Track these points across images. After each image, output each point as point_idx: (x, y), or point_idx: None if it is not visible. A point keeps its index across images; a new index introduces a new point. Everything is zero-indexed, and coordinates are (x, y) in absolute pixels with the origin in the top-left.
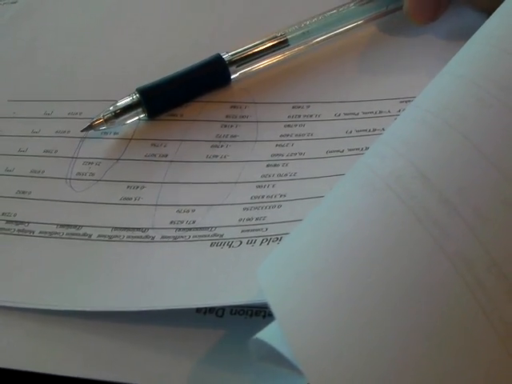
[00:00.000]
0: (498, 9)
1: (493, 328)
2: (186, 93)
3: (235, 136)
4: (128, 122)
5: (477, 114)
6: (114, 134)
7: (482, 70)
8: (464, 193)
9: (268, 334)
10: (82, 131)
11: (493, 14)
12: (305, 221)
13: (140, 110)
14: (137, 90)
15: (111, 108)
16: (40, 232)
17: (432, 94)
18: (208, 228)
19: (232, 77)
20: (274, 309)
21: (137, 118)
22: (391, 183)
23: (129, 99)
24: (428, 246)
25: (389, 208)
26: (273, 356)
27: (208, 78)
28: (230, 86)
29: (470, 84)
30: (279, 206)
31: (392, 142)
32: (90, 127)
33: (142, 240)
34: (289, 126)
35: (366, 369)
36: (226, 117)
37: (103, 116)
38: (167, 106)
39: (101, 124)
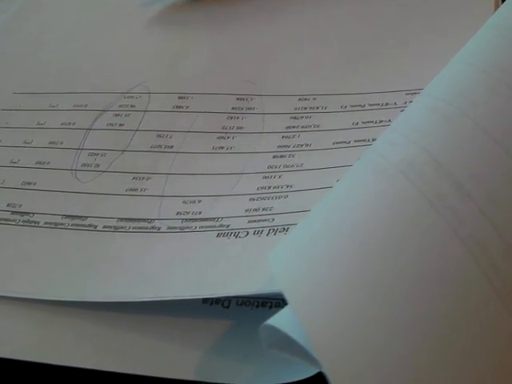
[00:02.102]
0: (507, 0)
1: (508, 312)
2: None
3: (241, 128)
4: None
5: (488, 101)
6: (120, 125)
7: (492, 58)
8: (477, 178)
9: (280, 320)
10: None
11: (501, 6)
12: (316, 207)
13: None
14: None
15: None
16: (45, 223)
17: (442, 82)
18: (214, 219)
19: None
20: (287, 294)
21: None
22: (404, 169)
23: None
24: (442, 230)
25: (402, 193)
26: (284, 343)
27: None
28: None
29: (480, 73)
30: (286, 197)
31: (403, 129)
32: None
33: (147, 231)
34: (295, 117)
35: (381, 353)
36: (232, 109)
37: None
38: None
39: None
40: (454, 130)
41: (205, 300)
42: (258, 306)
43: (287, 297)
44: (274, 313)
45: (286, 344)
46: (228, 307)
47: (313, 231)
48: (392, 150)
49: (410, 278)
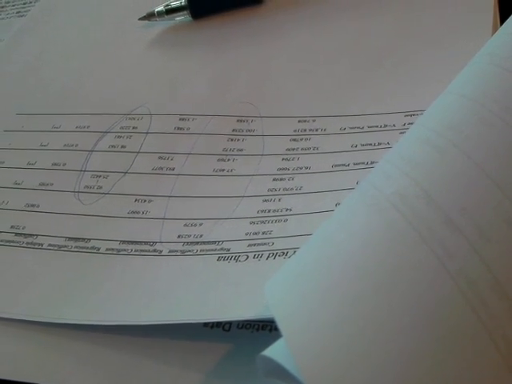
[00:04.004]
0: (501, 27)
1: (495, 346)
2: (223, 4)
3: (241, 150)
4: (177, 19)
5: (480, 134)
6: (122, 147)
7: (485, 89)
8: (467, 212)
9: (275, 351)
10: (139, 19)
11: (496, 33)
12: (311, 239)
13: (186, 12)
14: None
15: (162, 7)
16: (49, 245)
17: (436, 113)
18: (215, 242)
19: None
20: (281, 327)
21: (183, 17)
22: (396, 202)
23: (178, 2)
24: (432, 265)
25: (393, 227)
26: (279, 372)
27: None
28: (262, 5)
29: (473, 103)
30: (285, 220)
31: (397, 161)
32: (146, 18)
33: (149, 254)
34: (294, 139)
35: None
36: (233, 130)
37: (156, 12)
38: (208, 12)
39: (154, 17)
40: (446, 163)
41: (206, 323)
42: (258, 329)
43: (281, 329)
44: (274, 336)
45: (282, 373)
46: (229, 330)
47: (307, 264)
48: (385, 182)
49: (400, 313)
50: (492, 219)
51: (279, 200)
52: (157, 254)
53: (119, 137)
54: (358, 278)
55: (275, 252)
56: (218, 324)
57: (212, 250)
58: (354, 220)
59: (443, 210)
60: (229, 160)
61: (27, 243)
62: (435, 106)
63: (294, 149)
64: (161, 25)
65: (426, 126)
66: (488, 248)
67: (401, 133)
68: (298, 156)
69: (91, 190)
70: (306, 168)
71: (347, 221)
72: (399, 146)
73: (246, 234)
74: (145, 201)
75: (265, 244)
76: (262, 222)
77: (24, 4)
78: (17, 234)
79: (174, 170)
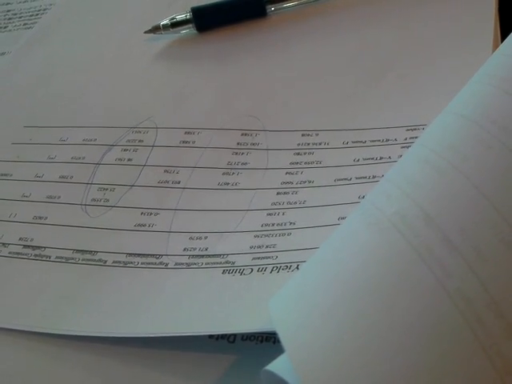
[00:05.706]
0: (500, 47)
1: (491, 363)
2: (228, 17)
3: (246, 163)
4: (182, 32)
5: (478, 155)
6: (128, 160)
7: (483, 110)
8: (465, 232)
9: (278, 366)
10: (145, 33)
11: (494, 53)
12: (314, 257)
13: (191, 25)
14: (191, 8)
15: (167, 20)
16: (56, 257)
17: (436, 132)
18: (220, 255)
19: (268, 11)
20: (284, 344)
21: (188, 30)
22: (396, 222)
23: (183, 15)
24: (430, 284)
25: (394, 247)
26: None
27: (247, 8)
28: (266, 18)
29: (472, 124)
30: (289, 234)
31: (398, 180)
32: (152, 31)
33: (155, 266)
34: (298, 153)
35: None
36: (237, 144)
37: (161, 25)
38: (213, 25)
39: (159, 30)
40: (445, 184)
41: (211, 335)
42: (262, 341)
43: (285, 346)
44: (278, 347)
45: None
46: (233, 342)
47: (309, 282)
48: (386, 202)
49: (400, 330)
50: (489, 240)
51: (283, 214)
52: (163, 266)
53: (126, 150)
54: (359, 296)
55: (279, 265)
56: (223, 336)
57: (217, 263)
58: (355, 239)
59: (442, 230)
60: (233, 174)
61: (35, 255)
62: (435, 125)
63: (297, 163)
64: (166, 38)
65: (426, 145)
66: (485, 268)
67: (402, 147)
68: (302, 170)
69: (98, 203)
70: (310, 182)
71: (349, 240)
72: (400, 165)
73: (251, 248)
74: (151, 214)
75: (269, 257)
76: (266, 235)
77: (31, 16)
78: (25, 246)
79: (179, 183)
